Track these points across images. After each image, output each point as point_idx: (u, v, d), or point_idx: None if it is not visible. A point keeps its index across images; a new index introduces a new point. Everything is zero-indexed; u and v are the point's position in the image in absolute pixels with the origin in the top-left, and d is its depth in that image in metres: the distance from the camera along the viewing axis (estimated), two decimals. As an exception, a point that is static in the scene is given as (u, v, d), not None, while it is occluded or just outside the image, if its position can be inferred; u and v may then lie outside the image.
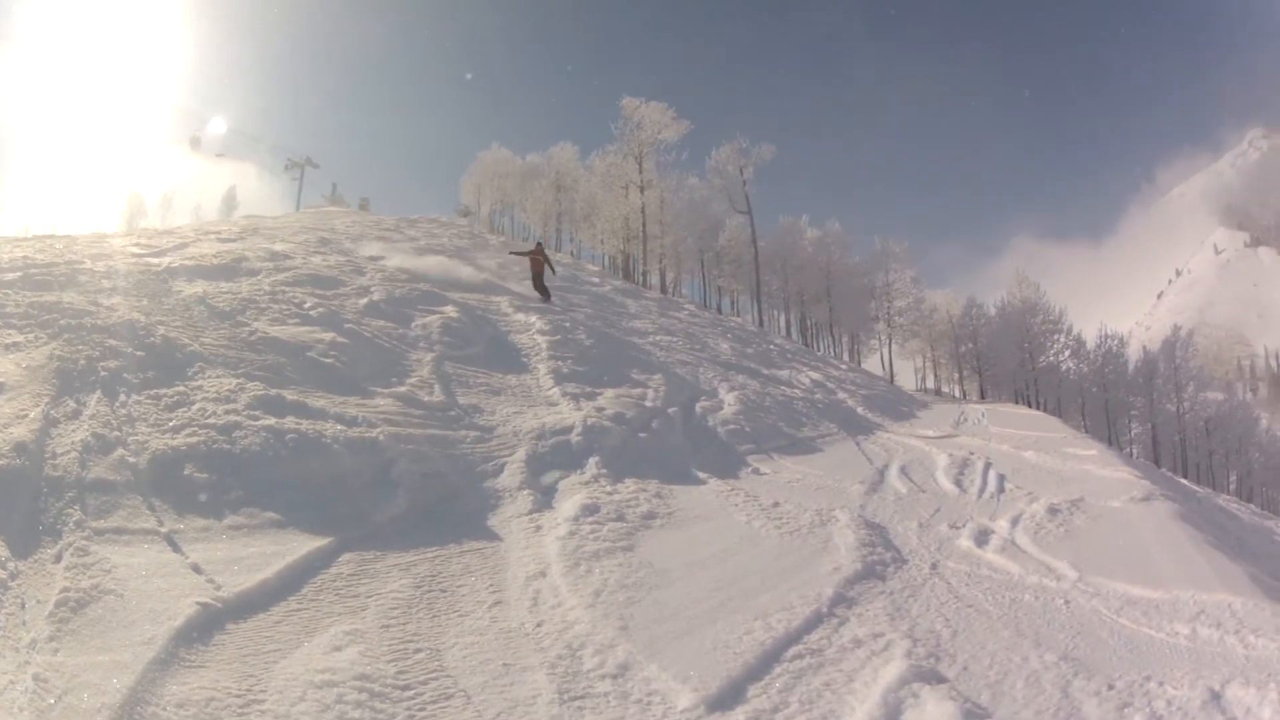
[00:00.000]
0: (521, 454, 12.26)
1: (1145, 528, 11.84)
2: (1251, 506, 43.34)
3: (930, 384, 66.18)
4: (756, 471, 14.78)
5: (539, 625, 7.18)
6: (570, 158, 67.05)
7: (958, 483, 14.94)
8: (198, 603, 6.46)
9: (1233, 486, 61.12)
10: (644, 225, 57.67)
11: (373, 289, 20.54)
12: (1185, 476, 49.66)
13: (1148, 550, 10.61)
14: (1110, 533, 11.44)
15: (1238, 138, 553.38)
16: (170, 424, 9.87)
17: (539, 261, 29.70)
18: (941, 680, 6.47)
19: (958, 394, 62.20)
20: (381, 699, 5.65)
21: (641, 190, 58.10)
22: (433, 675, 6.10)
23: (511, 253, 34.47)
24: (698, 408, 18.27)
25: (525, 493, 10.95)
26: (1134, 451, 57.25)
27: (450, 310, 20.46)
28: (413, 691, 5.82)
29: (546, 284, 29.29)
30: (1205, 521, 15.17)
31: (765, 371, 27.28)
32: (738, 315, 59.45)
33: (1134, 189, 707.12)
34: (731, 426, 17.41)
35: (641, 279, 57.51)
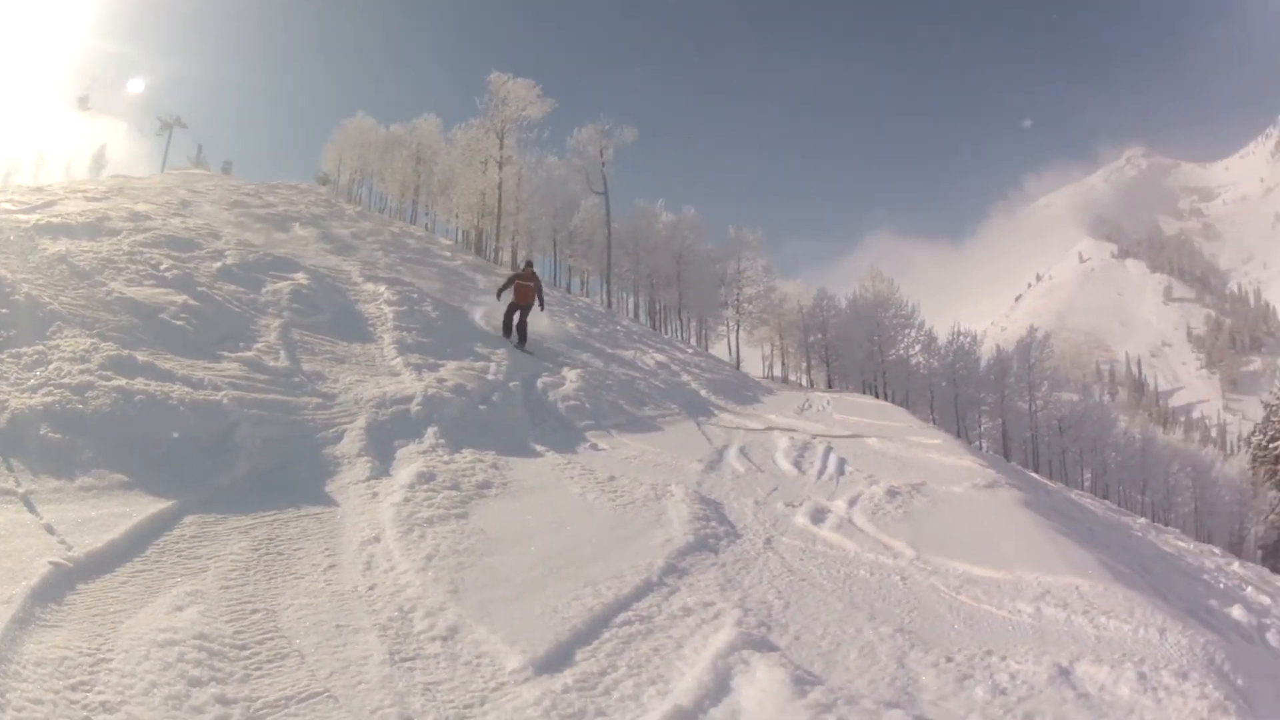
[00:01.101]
0: (362, 422, 12.43)
1: (988, 512, 12.21)
2: (1107, 503, 44.31)
3: (778, 372, 65.76)
4: (595, 447, 15.02)
5: (372, 588, 7.28)
6: (433, 129, 66.22)
7: (797, 464, 15.18)
8: (51, 563, 6.50)
9: (1088, 483, 62.90)
10: (500, 201, 57.23)
11: (227, 253, 20.60)
12: (1037, 471, 50.54)
13: (990, 533, 10.93)
14: (951, 516, 11.77)
15: (1115, 154, 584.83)
16: (29, 383, 9.95)
17: (529, 290, 24.40)
18: (773, 649, 6.56)
19: (805, 383, 62.23)
20: (220, 658, 5.72)
21: (500, 166, 57.49)
22: (268, 635, 6.19)
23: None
24: (539, 383, 18.56)
25: (363, 460, 11.07)
26: (983, 445, 58.33)
27: (301, 278, 20.63)
28: (249, 651, 5.90)
29: (530, 321, 24.31)
30: (1053, 511, 15.58)
31: (610, 351, 27.58)
32: (586, 296, 59.08)
33: (1000, 195, 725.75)
34: (572, 402, 17.69)
35: (493, 255, 57.32)
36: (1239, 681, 6.80)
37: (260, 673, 5.65)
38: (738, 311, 65.13)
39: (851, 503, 12.04)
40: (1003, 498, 13.38)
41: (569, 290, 57.35)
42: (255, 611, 6.57)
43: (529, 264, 27.28)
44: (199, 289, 16.54)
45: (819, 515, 11.25)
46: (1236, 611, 13.55)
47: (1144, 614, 7.83)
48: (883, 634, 7.13)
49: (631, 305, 65.07)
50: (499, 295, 25.31)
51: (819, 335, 64.37)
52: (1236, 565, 30.66)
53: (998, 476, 15.19)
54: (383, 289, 23.07)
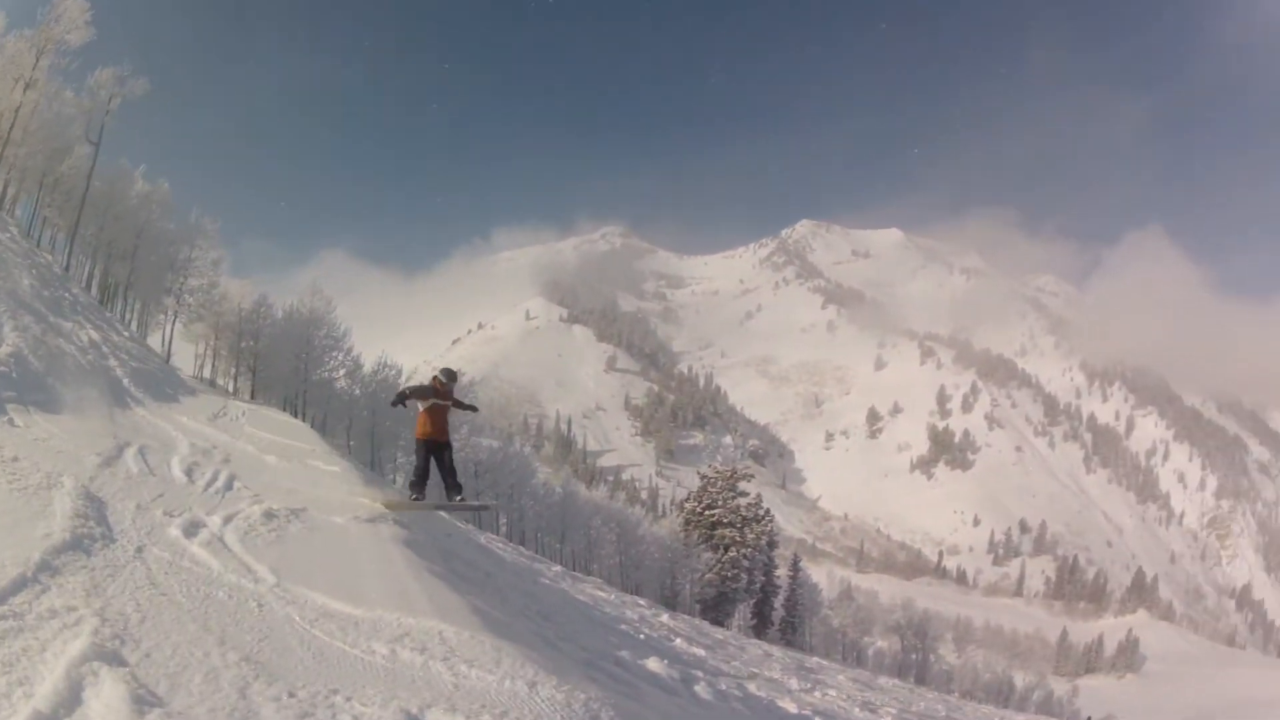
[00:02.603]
0: None
1: (363, 547, 12.33)
2: (522, 549, 46.26)
3: (208, 373, 61.47)
4: (11, 422, 14.58)
5: None
6: (-3, 29, 59.39)
7: (189, 473, 14.92)
8: None
9: (504, 529, 64.15)
10: (11, 129, 52.88)
11: None
12: (450, 512, 51.38)
13: (359, 568, 11.05)
14: (324, 546, 11.83)
15: (592, 227, 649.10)
16: None
17: (444, 414, 17.73)
18: (123, 664, 6.44)
19: (232, 389, 58.88)
20: None
21: (26, 88, 53.23)
22: None
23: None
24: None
25: None
26: (397, 479, 58.86)
27: None
28: None
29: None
30: (444, 553, 15.97)
31: (51, 319, 26.27)
32: (52, 253, 54.97)
33: (467, 240, 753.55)
34: (2, 369, 17.13)
35: (-12, 188, 52.82)
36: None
37: None
38: (178, 302, 60.95)
39: (227, 520, 11.87)
40: (382, 533, 13.51)
41: (39, 244, 53.56)
42: None
43: (451, 375, 18.18)
44: None
45: (193, 529, 11.09)
46: (653, 663, 14.34)
47: (512, 665, 8.09)
48: (229, 661, 7.05)
49: (87, 273, 59.40)
50: (399, 401, 17.92)
51: (251, 342, 61.14)
52: (666, 617, 32.24)
53: (384, 511, 15.35)
54: None
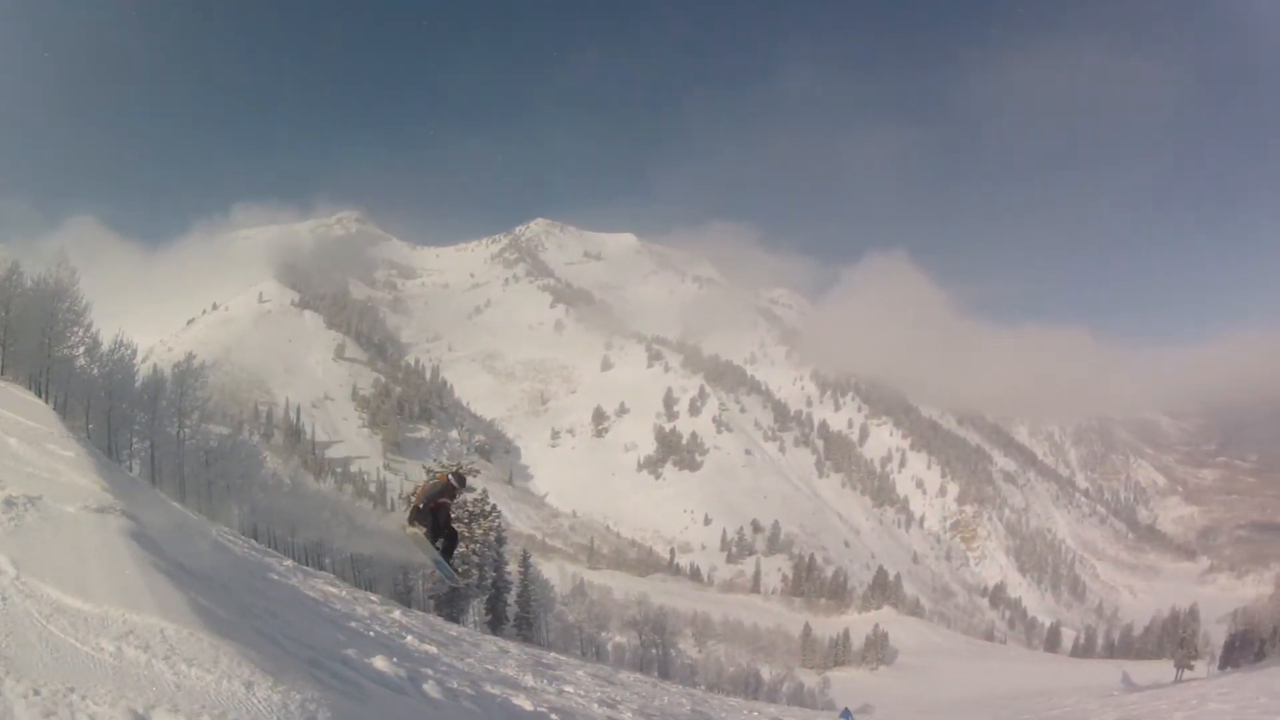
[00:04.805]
0: None
1: (91, 538, 12.07)
2: (253, 542, 45.50)
3: None
4: None
5: None
6: None
7: None
8: None
9: (237, 521, 62.37)
10: None
11: None
12: (184, 501, 50.63)
13: (88, 561, 10.82)
14: (56, 537, 11.62)
15: (329, 210, 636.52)
16: None
17: (445, 508, 18.16)
18: None
19: None
20: None
21: None
22: None
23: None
24: None
25: None
26: (134, 466, 57.40)
27: None
28: None
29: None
30: (169, 546, 15.29)
31: None
32: None
33: (207, 215, 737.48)
34: None
35: None
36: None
37: None
38: (-64, 267, 57.13)
39: (-25, 507, 11.40)
40: (110, 524, 13.24)
41: None
42: None
43: (462, 481, 18.80)
44: None
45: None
46: (380, 662, 14.26)
47: (230, 665, 8.02)
48: (-15, 655, 6.90)
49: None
50: (415, 519, 17.62)
51: (2, 313, 56.15)
52: (398, 613, 31.90)
53: (113, 501, 15.07)
54: None
